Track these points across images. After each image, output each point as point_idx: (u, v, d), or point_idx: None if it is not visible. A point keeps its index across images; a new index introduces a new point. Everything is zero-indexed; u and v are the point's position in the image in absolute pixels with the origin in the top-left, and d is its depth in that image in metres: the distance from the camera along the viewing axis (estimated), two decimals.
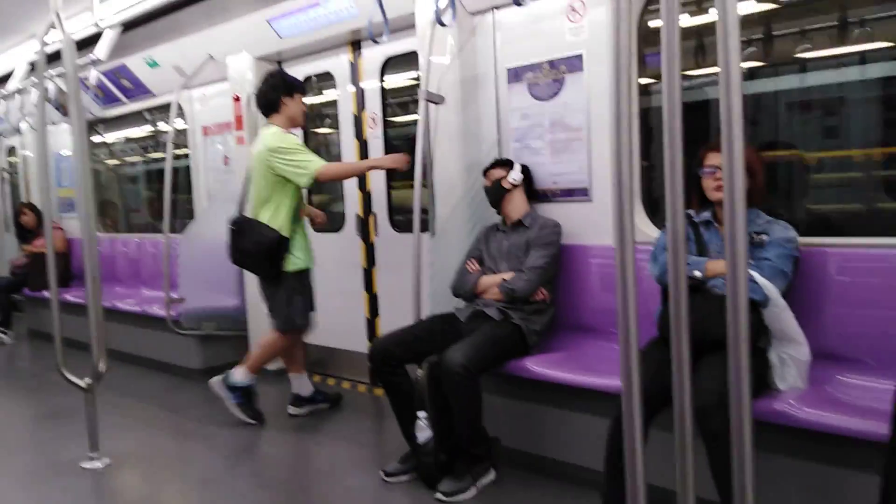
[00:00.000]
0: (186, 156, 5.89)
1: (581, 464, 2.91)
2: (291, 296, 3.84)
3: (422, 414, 3.10)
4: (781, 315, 2.32)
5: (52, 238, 3.66)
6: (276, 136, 3.72)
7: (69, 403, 4.24)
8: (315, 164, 3.65)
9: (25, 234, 7.08)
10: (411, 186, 3.57)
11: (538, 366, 2.98)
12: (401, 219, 4.52)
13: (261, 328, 4.94)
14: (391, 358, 3.13)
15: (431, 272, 3.48)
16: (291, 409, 4.13)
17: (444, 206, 3.65)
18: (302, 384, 4.14)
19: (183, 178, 6.00)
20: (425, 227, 3.56)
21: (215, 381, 3.96)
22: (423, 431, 3.09)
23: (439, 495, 2.90)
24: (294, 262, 3.81)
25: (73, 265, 6.81)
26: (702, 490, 1.66)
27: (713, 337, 2.08)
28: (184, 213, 6.14)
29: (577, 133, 3.30)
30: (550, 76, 3.35)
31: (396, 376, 3.15)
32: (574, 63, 3.26)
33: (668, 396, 2.13)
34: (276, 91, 3.81)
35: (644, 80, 3.23)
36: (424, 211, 3.50)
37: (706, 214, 2.67)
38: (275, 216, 3.77)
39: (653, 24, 3.09)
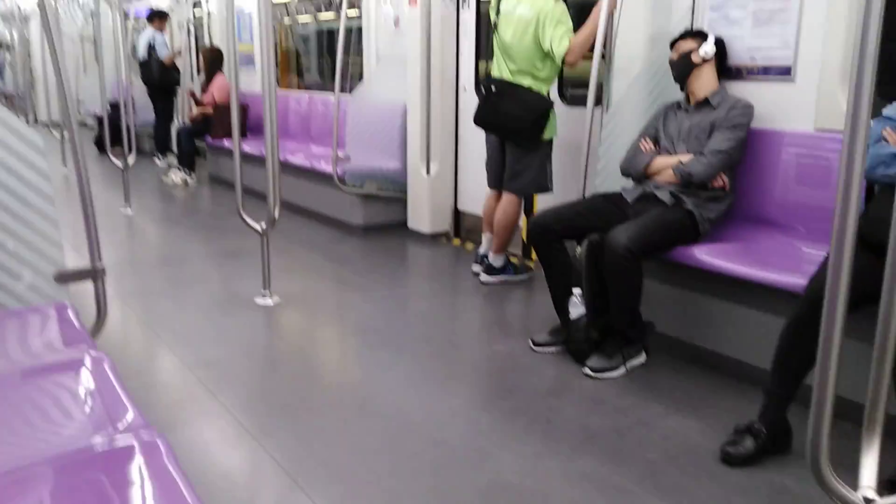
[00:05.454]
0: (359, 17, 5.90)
1: (740, 358, 2.79)
2: (545, 162, 3.89)
3: (576, 290, 3.07)
4: None
5: (237, 91, 3.79)
6: (556, 4, 3.63)
7: (244, 245, 4.58)
8: (564, 45, 3.55)
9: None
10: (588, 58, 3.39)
11: (708, 255, 2.81)
12: (573, 92, 4.32)
13: (419, 193, 5.05)
14: (550, 233, 3.07)
15: (602, 149, 3.32)
16: (483, 277, 4.13)
17: (622, 79, 3.42)
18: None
19: (354, 40, 6.04)
20: (599, 100, 3.38)
21: (485, 279, 4.10)
22: (576, 308, 3.07)
23: (587, 370, 2.90)
24: (550, 130, 3.82)
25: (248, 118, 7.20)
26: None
27: None
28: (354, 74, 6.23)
29: (786, 2, 2.92)
30: None
31: (554, 251, 3.10)
32: None
33: (856, 303, 1.94)
34: None
35: None
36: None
37: None
38: (539, 82, 3.75)
39: None
